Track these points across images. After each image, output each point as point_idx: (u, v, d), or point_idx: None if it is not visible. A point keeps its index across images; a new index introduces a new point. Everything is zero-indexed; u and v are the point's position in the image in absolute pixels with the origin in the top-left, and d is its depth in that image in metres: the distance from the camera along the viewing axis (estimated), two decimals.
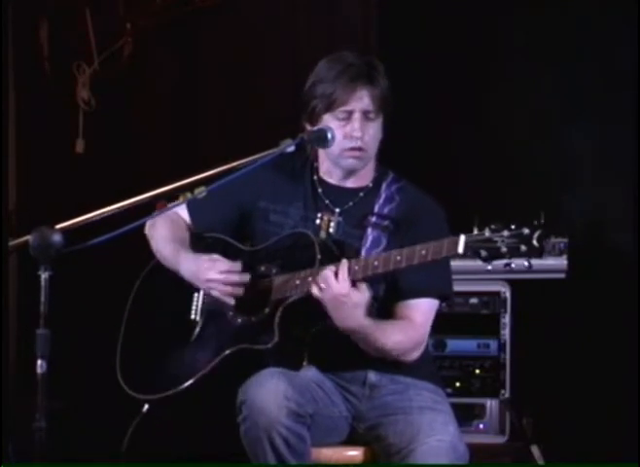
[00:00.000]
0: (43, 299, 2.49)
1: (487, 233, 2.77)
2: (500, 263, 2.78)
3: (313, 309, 3.06)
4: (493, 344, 4.44)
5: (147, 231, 3.33)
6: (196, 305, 3.23)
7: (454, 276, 3.25)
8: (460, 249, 2.79)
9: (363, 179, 3.25)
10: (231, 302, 3.14)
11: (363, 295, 2.95)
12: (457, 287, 3.27)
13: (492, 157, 4.88)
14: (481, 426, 4.39)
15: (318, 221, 3.21)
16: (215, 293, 3.15)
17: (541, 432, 4.22)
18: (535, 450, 4.16)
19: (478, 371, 4.44)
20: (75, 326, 4.60)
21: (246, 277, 3.14)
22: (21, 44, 5.14)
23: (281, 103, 4.93)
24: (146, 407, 3.18)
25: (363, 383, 3.17)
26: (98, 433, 4.53)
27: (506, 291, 4.44)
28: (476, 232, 2.78)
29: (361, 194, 3.24)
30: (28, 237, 2.52)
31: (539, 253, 2.73)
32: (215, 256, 3.15)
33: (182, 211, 3.33)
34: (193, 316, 3.23)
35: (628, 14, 4.65)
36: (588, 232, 4.74)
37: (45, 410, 2.45)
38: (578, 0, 4.81)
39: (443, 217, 3.19)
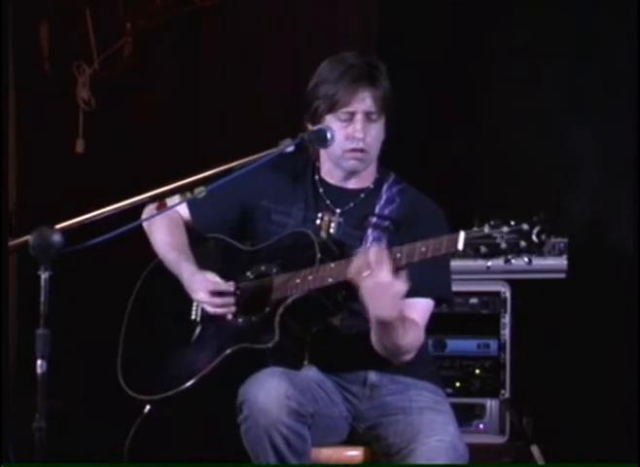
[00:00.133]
0: (43, 299, 2.49)
1: (487, 230, 2.76)
2: (500, 260, 2.78)
3: (314, 309, 3.06)
4: (493, 344, 4.44)
5: (145, 226, 3.32)
6: (197, 306, 3.23)
7: (454, 276, 3.24)
8: (460, 245, 2.78)
9: (364, 180, 3.25)
10: (225, 315, 3.15)
11: (403, 286, 2.90)
12: (457, 287, 3.27)
13: (492, 157, 4.88)
14: (481, 426, 4.39)
15: (318, 221, 3.21)
16: (207, 309, 3.17)
17: (541, 432, 4.22)
18: (535, 450, 4.16)
19: (478, 371, 4.44)
20: (75, 326, 4.60)
21: (230, 300, 3.14)
22: (21, 44, 5.14)
23: (281, 103, 4.94)
24: (147, 408, 3.18)
25: (363, 383, 3.17)
26: (98, 433, 4.54)
27: (506, 291, 4.44)
28: (476, 228, 2.78)
29: (362, 195, 3.24)
30: (28, 237, 2.52)
31: (539, 249, 2.72)
32: (209, 275, 3.15)
33: (182, 210, 3.33)
34: (193, 317, 3.23)
35: (628, 14, 4.65)
36: (588, 232, 4.74)
37: (45, 410, 2.45)
38: (578, 0, 4.81)
39: (443, 219, 3.18)
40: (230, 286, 3.15)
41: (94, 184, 4.98)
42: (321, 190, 3.26)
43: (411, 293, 3.02)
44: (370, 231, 3.16)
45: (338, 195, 3.24)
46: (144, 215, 3.21)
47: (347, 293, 3.04)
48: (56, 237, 2.51)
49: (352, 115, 3.13)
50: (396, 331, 2.96)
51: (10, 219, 5.02)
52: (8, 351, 4.89)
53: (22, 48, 5.14)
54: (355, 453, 3.14)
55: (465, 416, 4.26)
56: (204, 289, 3.14)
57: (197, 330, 3.21)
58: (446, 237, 2.82)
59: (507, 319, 4.43)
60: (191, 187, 2.86)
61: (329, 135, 3.06)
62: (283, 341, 3.02)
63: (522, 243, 2.72)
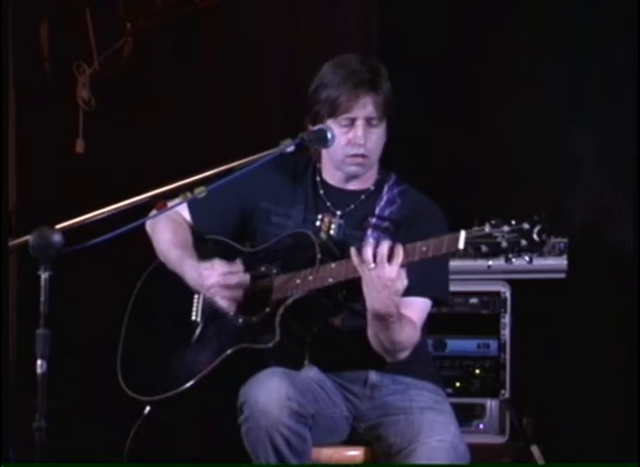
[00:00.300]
0: (43, 299, 2.49)
1: (487, 229, 2.77)
2: (501, 259, 2.78)
3: (314, 309, 3.06)
4: (493, 344, 4.44)
5: (148, 228, 3.33)
6: (197, 306, 3.23)
7: (455, 276, 3.25)
8: (461, 245, 2.78)
9: (365, 182, 3.25)
10: (232, 310, 3.13)
11: (403, 284, 2.90)
12: (457, 287, 3.28)
13: (492, 157, 4.88)
14: (481, 426, 4.39)
15: (318, 223, 3.21)
16: (218, 300, 3.13)
17: (541, 432, 4.22)
18: (535, 450, 4.16)
19: (478, 371, 4.45)
20: (75, 326, 4.60)
21: (246, 278, 3.13)
22: (21, 44, 5.14)
23: (281, 103, 4.94)
24: (148, 408, 3.17)
25: (364, 383, 3.17)
26: (98, 433, 4.54)
27: (506, 291, 4.44)
28: (476, 228, 2.78)
29: (362, 196, 3.24)
30: (28, 237, 2.52)
31: (540, 248, 2.72)
32: (215, 261, 3.14)
33: (183, 211, 3.33)
34: (194, 317, 3.23)
35: (628, 14, 4.65)
36: (588, 232, 4.74)
37: (45, 410, 2.45)
38: (578, 0, 4.81)
39: (443, 220, 3.18)
40: (239, 265, 3.13)
41: (94, 184, 4.98)
42: (322, 191, 3.26)
43: (409, 292, 3.02)
44: (369, 231, 3.16)
45: (339, 196, 3.24)
46: (148, 226, 3.22)
47: (348, 293, 3.04)
48: (56, 237, 2.51)
49: (353, 121, 3.13)
50: (392, 326, 2.96)
51: (10, 219, 5.02)
52: (8, 351, 4.89)
53: (22, 48, 5.14)
54: (356, 453, 3.14)
55: (465, 416, 4.26)
56: (215, 272, 3.11)
57: (198, 330, 3.21)
58: (447, 237, 2.83)
59: (507, 319, 4.43)
60: (191, 187, 2.86)
61: (329, 135, 3.06)
62: (283, 342, 3.02)
63: (523, 242, 2.72)
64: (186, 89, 5.20)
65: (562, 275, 4.38)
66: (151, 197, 2.75)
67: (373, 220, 3.18)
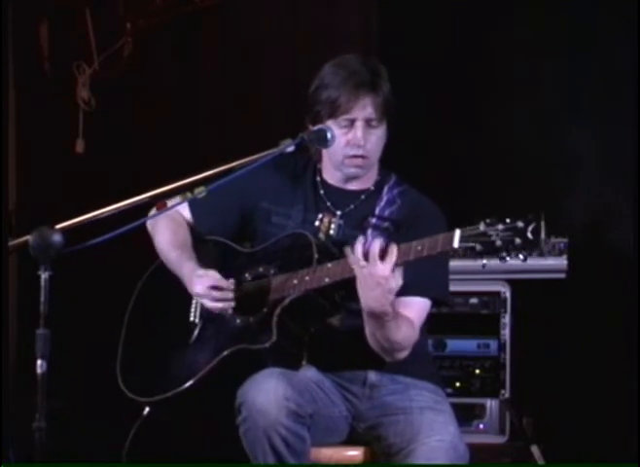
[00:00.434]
0: (43, 299, 2.49)
1: (482, 228, 2.77)
2: (495, 258, 2.78)
3: (311, 309, 3.06)
4: (493, 344, 4.44)
5: (149, 227, 3.33)
6: (196, 308, 3.23)
7: (454, 276, 3.24)
8: (455, 243, 2.78)
9: (365, 182, 3.26)
10: (225, 310, 3.14)
11: (398, 283, 2.90)
12: (457, 287, 3.28)
13: (492, 157, 4.88)
14: (481, 426, 4.39)
15: (317, 223, 3.21)
16: (206, 304, 3.15)
17: (541, 432, 4.22)
18: (535, 450, 4.16)
19: (478, 371, 4.45)
20: (75, 326, 4.60)
21: (229, 294, 3.14)
22: (21, 44, 5.14)
23: (281, 103, 4.94)
24: (147, 410, 3.17)
25: (363, 383, 3.17)
26: (98, 433, 4.54)
27: (506, 291, 4.44)
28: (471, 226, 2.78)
29: (362, 196, 3.24)
30: (28, 237, 2.52)
31: (534, 246, 2.72)
32: (210, 272, 3.15)
33: (184, 211, 3.33)
34: (192, 318, 3.23)
35: (628, 14, 4.65)
36: (588, 232, 4.74)
37: (45, 410, 2.45)
38: (578, 0, 4.81)
39: (443, 220, 3.17)
40: (230, 284, 3.15)
41: (94, 184, 4.98)
42: (322, 191, 3.26)
43: (408, 292, 3.03)
44: (369, 231, 3.16)
45: (339, 196, 3.24)
46: (149, 225, 3.22)
47: (345, 293, 3.04)
48: (56, 237, 2.51)
49: (353, 122, 3.13)
50: (387, 325, 2.96)
51: (10, 219, 5.02)
52: (8, 351, 4.89)
53: (22, 48, 5.14)
54: (355, 453, 3.14)
55: (465, 416, 4.26)
56: (203, 283, 3.13)
57: (196, 331, 3.21)
58: (442, 236, 2.83)
59: (507, 319, 4.43)
60: (191, 187, 2.86)
61: (329, 135, 3.06)
62: (281, 342, 3.02)
63: (517, 241, 2.73)
64: (186, 89, 5.20)
65: (562, 275, 4.38)
66: (151, 197, 2.76)
67: (373, 220, 3.18)
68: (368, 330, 3.01)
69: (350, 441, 3.18)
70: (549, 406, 4.34)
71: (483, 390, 4.43)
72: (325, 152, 3.23)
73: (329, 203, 3.24)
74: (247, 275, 3.20)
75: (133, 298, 3.35)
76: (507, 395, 4.38)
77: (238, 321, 3.14)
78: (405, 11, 4.92)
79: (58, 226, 2.57)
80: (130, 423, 3.24)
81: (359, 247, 2.89)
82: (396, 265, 2.87)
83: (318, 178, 3.28)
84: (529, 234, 2.71)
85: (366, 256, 2.88)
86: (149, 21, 5.15)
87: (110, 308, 3.43)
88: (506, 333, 4.43)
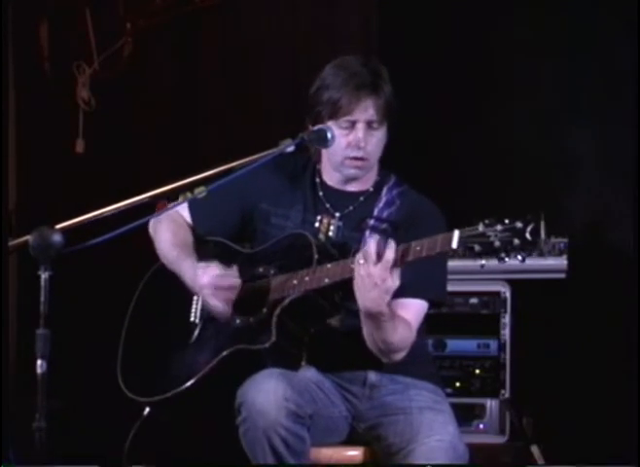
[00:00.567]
0: (43, 299, 2.48)
1: (481, 228, 2.76)
2: (494, 259, 2.78)
3: (311, 309, 3.06)
4: (493, 344, 4.44)
5: (150, 230, 3.34)
6: (196, 308, 3.23)
7: (454, 276, 3.24)
8: (454, 244, 2.78)
9: (365, 183, 3.25)
10: (225, 311, 3.13)
11: (395, 284, 2.90)
12: (457, 287, 3.28)
13: (492, 157, 4.88)
14: (481, 426, 4.39)
15: (317, 224, 3.21)
16: (210, 300, 3.14)
17: (541, 432, 4.22)
18: (535, 450, 4.16)
19: (478, 371, 4.45)
20: (75, 326, 4.60)
21: (238, 281, 3.14)
22: (21, 44, 5.14)
23: (281, 103, 4.94)
24: (147, 410, 3.17)
25: (363, 383, 3.17)
26: (98, 433, 4.54)
27: (506, 291, 4.44)
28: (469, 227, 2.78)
29: (361, 198, 3.24)
30: (28, 237, 2.52)
31: (533, 247, 2.72)
32: (213, 263, 3.14)
33: (184, 212, 3.33)
34: (192, 319, 3.23)
35: (628, 14, 4.65)
36: (588, 232, 4.74)
37: (45, 410, 2.45)
38: (578, 0, 4.81)
39: (442, 221, 3.17)
40: (231, 270, 3.13)
41: (94, 184, 4.98)
42: (321, 193, 3.26)
43: (406, 293, 3.03)
44: (367, 233, 3.16)
45: (338, 198, 3.24)
46: (151, 221, 3.22)
47: (344, 293, 3.04)
48: (56, 237, 2.51)
49: (354, 123, 3.13)
50: (384, 326, 2.96)
51: (10, 219, 5.02)
52: (8, 351, 4.89)
53: (22, 48, 5.14)
54: (355, 453, 3.14)
55: (465, 416, 4.26)
56: (208, 273, 3.12)
57: (196, 331, 3.21)
58: (441, 236, 2.82)
59: (507, 319, 4.43)
60: (191, 187, 2.86)
61: (329, 135, 3.05)
62: (280, 342, 3.02)
63: (516, 241, 2.72)
64: (186, 89, 5.20)
65: (562, 275, 4.38)
66: (151, 197, 2.75)
67: (372, 222, 3.18)
68: (365, 330, 3.01)
69: (350, 441, 3.18)
70: (549, 406, 4.34)
71: (483, 390, 4.43)
72: (324, 153, 3.23)
73: (328, 205, 3.24)
74: (247, 276, 3.19)
75: (134, 298, 3.35)
76: (507, 395, 4.38)
77: (238, 321, 3.14)
78: (405, 11, 4.92)
79: (58, 226, 2.57)
80: (130, 423, 3.24)
81: (371, 246, 2.89)
82: (395, 266, 2.87)
83: (317, 179, 3.28)
84: (528, 235, 2.71)
85: (363, 255, 2.88)
86: (149, 21, 5.15)
87: (110, 308, 3.43)
88: (506, 333, 4.43)
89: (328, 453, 3.12)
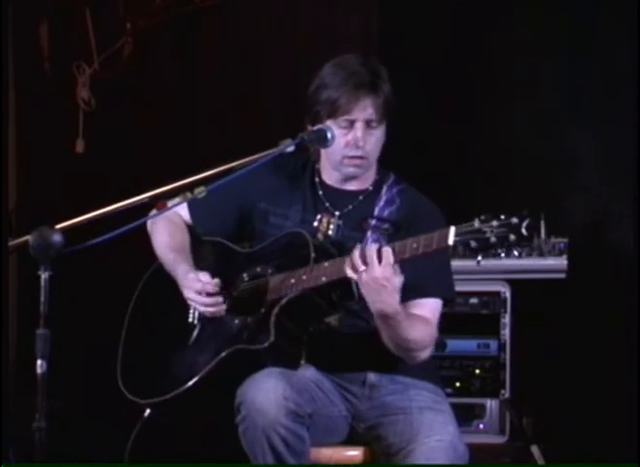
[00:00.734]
0: (43, 299, 2.48)
1: (477, 224, 2.77)
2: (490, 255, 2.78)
3: (309, 308, 3.06)
4: (493, 344, 4.44)
5: (149, 230, 3.34)
6: (194, 309, 3.23)
7: (454, 276, 3.24)
8: (450, 240, 2.78)
9: (364, 182, 3.25)
10: (218, 313, 3.14)
11: (400, 279, 2.91)
12: (457, 287, 3.26)
13: (492, 157, 4.88)
14: (481, 426, 4.39)
15: (316, 223, 3.21)
16: (198, 308, 3.16)
17: (541, 432, 4.22)
18: (535, 450, 4.16)
19: (478, 371, 4.44)
20: (75, 326, 4.60)
21: (219, 299, 3.14)
22: (21, 44, 5.14)
23: (281, 103, 4.94)
24: (147, 411, 3.17)
25: (363, 383, 3.17)
26: (98, 433, 4.54)
27: (506, 291, 4.44)
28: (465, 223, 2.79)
29: (360, 197, 3.24)
30: (28, 237, 2.52)
31: (528, 242, 2.73)
32: (200, 274, 3.14)
33: (183, 211, 3.34)
34: (191, 319, 3.23)
35: (628, 14, 4.65)
36: (588, 232, 4.74)
37: (45, 410, 2.45)
38: (578, 0, 4.81)
39: (442, 220, 3.16)
40: (217, 284, 3.14)
41: (94, 184, 4.98)
42: (320, 192, 3.26)
43: (419, 294, 3.05)
44: (369, 233, 3.16)
45: (337, 197, 3.24)
46: (149, 221, 3.22)
47: (342, 292, 3.04)
48: (56, 237, 2.51)
49: (352, 122, 3.13)
50: (401, 325, 2.97)
51: (10, 219, 5.02)
52: (8, 351, 4.89)
53: (22, 48, 5.14)
54: (355, 453, 3.14)
55: (465, 416, 4.26)
56: (192, 288, 3.14)
57: (195, 332, 3.21)
58: (437, 233, 2.83)
59: (507, 319, 4.43)
60: (191, 187, 2.86)
61: (329, 135, 3.05)
62: (279, 341, 3.02)
63: (512, 237, 2.73)
64: (186, 89, 5.20)
65: (562, 275, 4.38)
66: (151, 197, 2.75)
67: (373, 221, 3.18)
68: (385, 336, 3.02)
69: (350, 441, 3.18)
70: (549, 406, 4.34)
71: (483, 390, 4.43)
72: (323, 152, 3.23)
73: (327, 204, 3.24)
74: (245, 275, 3.20)
75: (133, 298, 3.35)
76: (507, 395, 4.38)
77: (236, 322, 3.14)
78: (405, 11, 4.92)
79: (58, 226, 2.57)
80: (130, 423, 3.24)
81: (356, 254, 2.90)
82: (394, 263, 2.88)
83: (317, 179, 3.28)
84: (524, 230, 2.72)
85: (364, 261, 2.88)
86: (149, 21, 5.15)
87: (110, 308, 3.43)
88: (506, 333, 4.42)
89: (328, 453, 3.12)
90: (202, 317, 3.20)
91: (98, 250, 2.68)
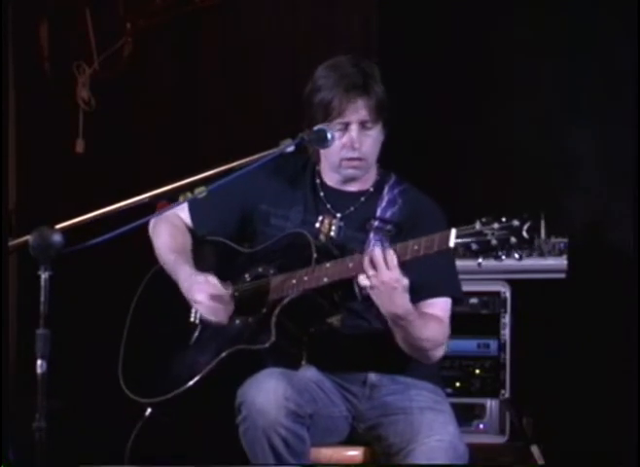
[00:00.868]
0: (43, 299, 2.48)
1: (478, 226, 2.77)
2: (492, 259, 2.78)
3: (310, 309, 3.06)
4: (493, 344, 4.44)
5: (150, 231, 3.34)
6: (196, 308, 3.22)
7: None
8: (451, 242, 2.79)
9: (364, 183, 3.25)
10: (221, 323, 3.13)
11: (407, 280, 2.92)
12: None
13: (492, 157, 4.88)
14: (481, 426, 4.39)
15: (318, 224, 3.21)
16: (205, 314, 3.15)
17: (541, 432, 4.22)
18: (535, 450, 4.16)
19: (478, 371, 4.45)
20: (75, 326, 4.60)
21: (230, 306, 3.13)
22: (21, 44, 5.14)
23: (281, 103, 4.94)
24: (149, 410, 3.17)
25: (363, 383, 3.17)
26: (98, 433, 4.53)
27: (506, 291, 4.44)
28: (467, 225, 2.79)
29: (362, 198, 3.24)
30: (28, 237, 2.52)
31: (529, 245, 2.73)
32: (210, 278, 3.14)
33: (183, 213, 3.33)
34: (192, 319, 3.23)
35: (628, 14, 4.65)
36: (588, 232, 4.74)
37: (45, 410, 2.45)
38: (578, 0, 4.81)
39: (444, 220, 3.17)
40: (228, 291, 3.14)
41: (94, 184, 4.98)
42: (322, 193, 3.26)
43: (429, 294, 3.06)
44: (372, 234, 3.16)
45: (339, 198, 3.24)
46: (151, 222, 3.22)
47: (344, 293, 3.04)
48: (56, 237, 2.50)
49: (347, 125, 3.12)
50: (415, 324, 2.98)
51: (10, 219, 5.02)
52: (8, 351, 4.88)
53: (22, 48, 5.14)
54: (355, 453, 3.14)
55: (465, 416, 4.26)
56: (204, 291, 3.13)
57: (196, 332, 3.21)
58: (438, 235, 2.83)
59: (507, 319, 4.43)
60: (191, 187, 2.86)
61: (329, 135, 3.05)
62: (280, 342, 3.02)
63: (513, 239, 2.73)
64: (186, 89, 5.20)
65: (562, 275, 4.38)
66: (151, 197, 2.75)
67: (376, 223, 3.18)
68: (398, 338, 3.03)
69: (350, 441, 3.18)
70: (549, 406, 4.34)
71: (483, 390, 4.43)
72: (323, 154, 3.23)
73: (329, 205, 3.24)
74: (247, 276, 3.19)
75: (135, 299, 3.35)
76: (507, 395, 4.38)
77: (238, 322, 3.13)
78: (405, 11, 4.92)
79: (58, 226, 2.57)
80: (130, 423, 3.24)
81: (366, 261, 2.90)
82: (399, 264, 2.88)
83: (318, 180, 3.28)
84: (525, 233, 2.72)
85: (374, 266, 2.89)
86: (149, 21, 5.15)
87: (110, 308, 3.43)
88: (506, 333, 4.43)
89: (328, 453, 3.12)
90: (204, 317, 3.20)
91: (98, 250, 2.68)
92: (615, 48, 4.76)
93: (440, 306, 3.12)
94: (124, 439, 3.27)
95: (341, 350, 3.15)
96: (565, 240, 4.40)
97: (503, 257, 2.75)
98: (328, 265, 3.02)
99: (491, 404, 4.40)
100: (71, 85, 5.17)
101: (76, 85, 5.17)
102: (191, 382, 3.06)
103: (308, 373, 3.13)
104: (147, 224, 3.25)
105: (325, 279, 3.00)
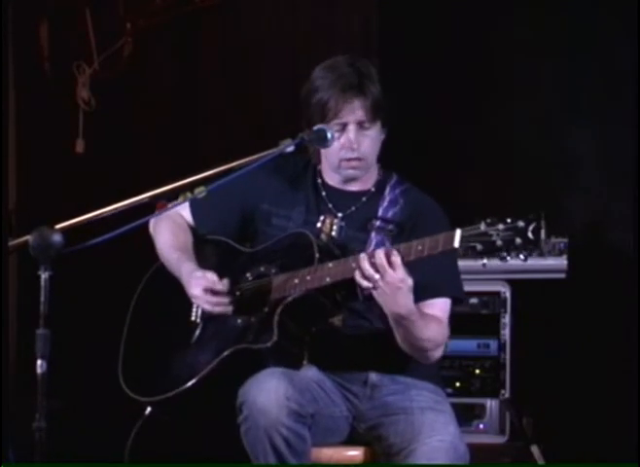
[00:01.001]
0: (43, 299, 2.48)
1: (483, 227, 2.77)
2: (495, 259, 2.78)
3: (312, 309, 3.06)
4: (493, 344, 4.44)
5: (151, 230, 3.34)
6: (197, 307, 3.23)
7: None
8: (456, 243, 2.78)
9: (365, 183, 3.25)
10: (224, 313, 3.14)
11: (411, 280, 2.92)
12: None
13: (492, 157, 4.88)
14: (481, 426, 4.39)
15: (319, 224, 3.21)
16: (203, 306, 3.16)
17: (541, 432, 4.22)
18: (535, 450, 4.16)
19: (478, 371, 4.45)
20: (75, 326, 4.60)
21: (225, 299, 3.13)
22: (21, 44, 5.14)
23: (281, 103, 4.94)
24: (149, 409, 3.17)
25: (364, 383, 3.17)
26: (98, 433, 4.53)
27: (506, 291, 4.44)
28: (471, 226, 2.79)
29: (363, 198, 3.24)
30: (28, 237, 2.52)
31: (534, 246, 2.72)
32: (208, 274, 3.14)
33: (184, 212, 3.33)
34: (193, 318, 3.23)
35: (628, 14, 4.65)
36: (588, 232, 4.74)
37: (45, 410, 2.45)
38: (578, 0, 4.81)
39: (446, 220, 3.17)
40: (224, 285, 3.15)
41: (94, 184, 4.98)
42: (324, 193, 3.26)
43: (429, 294, 3.06)
44: (373, 234, 3.16)
45: (340, 198, 3.24)
46: (151, 221, 3.22)
47: (346, 293, 3.04)
48: (56, 237, 2.51)
49: (344, 126, 3.12)
50: (416, 324, 2.98)
51: (10, 219, 5.02)
52: (8, 351, 4.89)
53: (22, 48, 5.14)
54: (356, 453, 3.14)
55: (465, 416, 4.26)
56: (200, 286, 3.13)
57: (197, 331, 3.21)
58: (443, 235, 2.83)
59: (507, 319, 4.43)
60: (191, 187, 2.86)
61: (329, 135, 3.05)
62: (282, 341, 3.02)
63: (518, 240, 2.73)
64: (186, 89, 5.20)
65: (562, 275, 4.38)
66: (151, 197, 2.75)
67: (377, 223, 3.18)
68: (399, 337, 3.03)
69: (351, 441, 3.18)
70: (549, 406, 4.34)
71: (483, 390, 4.43)
72: (323, 154, 3.23)
73: (330, 205, 3.24)
74: (248, 275, 3.19)
75: (135, 297, 3.35)
76: (507, 395, 4.38)
77: (239, 321, 3.13)
78: (405, 11, 4.92)
79: (58, 226, 2.57)
80: (130, 423, 3.24)
81: (365, 264, 2.90)
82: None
83: (319, 180, 3.28)
84: (530, 234, 2.71)
85: (375, 269, 2.89)
86: (149, 21, 5.15)
87: (110, 308, 3.43)
88: (506, 333, 4.43)
89: (328, 453, 3.12)
90: (205, 316, 3.20)
91: (98, 250, 2.68)
92: (615, 48, 4.76)
93: (439, 307, 3.12)
94: (123, 439, 3.27)
95: (342, 350, 3.15)
96: (565, 240, 4.41)
97: (508, 258, 2.74)
98: (330, 264, 3.02)
99: (491, 404, 4.40)
100: (71, 85, 5.17)
101: (76, 85, 5.17)
102: (191, 382, 3.06)
103: (309, 372, 3.13)
104: (147, 224, 3.25)
105: (327, 279, 3.00)
